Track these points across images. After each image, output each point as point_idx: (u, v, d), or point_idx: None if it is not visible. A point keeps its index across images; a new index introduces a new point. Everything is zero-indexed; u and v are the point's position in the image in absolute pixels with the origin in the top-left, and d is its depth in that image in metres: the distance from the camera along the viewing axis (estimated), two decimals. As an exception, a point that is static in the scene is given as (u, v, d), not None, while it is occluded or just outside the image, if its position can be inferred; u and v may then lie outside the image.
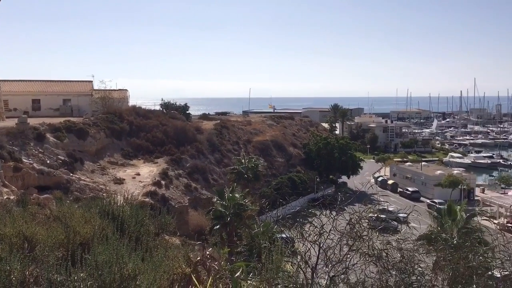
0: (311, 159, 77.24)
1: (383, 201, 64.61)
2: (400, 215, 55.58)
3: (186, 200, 46.41)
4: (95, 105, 61.07)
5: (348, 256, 6.64)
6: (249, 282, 5.20)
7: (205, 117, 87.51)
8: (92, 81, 68.38)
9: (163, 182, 46.02)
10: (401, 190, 72.78)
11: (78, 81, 69.92)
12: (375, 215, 9.38)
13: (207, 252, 5.57)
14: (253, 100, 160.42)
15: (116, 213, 8.14)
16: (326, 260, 6.59)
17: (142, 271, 5.17)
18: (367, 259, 6.56)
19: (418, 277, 6.47)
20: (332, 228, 6.80)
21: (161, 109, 73.67)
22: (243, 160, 54.24)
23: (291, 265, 6.68)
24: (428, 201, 64.63)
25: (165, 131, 58.30)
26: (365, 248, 6.59)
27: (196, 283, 4.50)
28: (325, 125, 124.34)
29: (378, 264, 6.47)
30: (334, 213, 7.18)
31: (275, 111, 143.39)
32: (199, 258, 5.37)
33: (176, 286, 5.15)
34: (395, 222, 53.49)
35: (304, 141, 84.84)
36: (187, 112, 78.62)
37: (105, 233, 6.74)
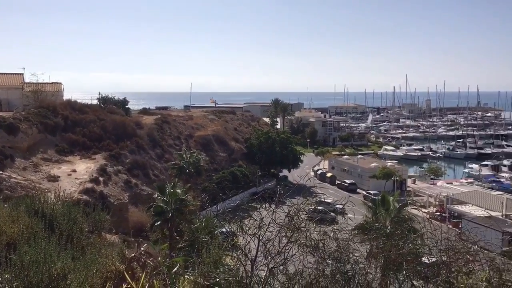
0: (252, 153, 77.86)
1: (322, 193, 66.55)
2: (338, 206, 57.67)
3: (125, 197, 45.26)
4: (26, 99, 57.92)
5: (287, 247, 6.76)
6: (186, 277, 5.15)
7: (145, 111, 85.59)
8: (22, 74, 64.77)
9: (101, 179, 44.60)
10: (339, 182, 75.08)
11: (7, 73, 65.89)
12: (313, 207, 9.61)
13: (142, 248, 5.46)
14: (194, 94, 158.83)
15: (46, 211, 7.76)
16: (266, 253, 6.68)
17: (73, 270, 4.97)
18: (305, 250, 6.72)
19: (353, 265, 6.72)
20: (271, 221, 6.90)
21: (98, 103, 71.18)
22: (184, 155, 53.66)
23: (231, 259, 6.71)
24: (364, 192, 67.17)
25: (103, 126, 56.42)
26: (303, 239, 6.74)
27: (129, 280, 4.40)
28: (266, 119, 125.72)
29: (315, 254, 6.65)
30: (273, 206, 7.29)
31: (217, 105, 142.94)
32: (133, 254, 5.25)
33: (108, 284, 5.00)
34: (333, 213, 55.40)
35: (246, 135, 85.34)
36: (126, 106, 76.50)
37: (33, 232, 6.41)
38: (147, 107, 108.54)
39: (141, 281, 4.25)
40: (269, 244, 6.70)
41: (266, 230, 6.77)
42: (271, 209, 7.13)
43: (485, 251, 7.27)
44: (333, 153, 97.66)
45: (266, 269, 6.39)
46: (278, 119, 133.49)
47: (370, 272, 6.71)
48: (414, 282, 6.49)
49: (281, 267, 6.52)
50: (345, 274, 6.32)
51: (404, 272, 6.53)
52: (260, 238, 6.68)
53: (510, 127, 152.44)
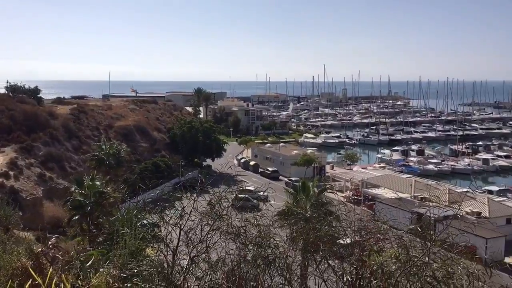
0: (175, 143, 76.75)
1: (245, 181, 67.44)
2: (261, 193, 58.78)
3: (39, 191, 42.73)
4: None
5: (209, 235, 6.83)
6: (101, 270, 5.03)
7: (59, 101, 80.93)
8: None
9: (11, 173, 41.75)
10: (262, 170, 76.39)
11: None
12: (235, 195, 9.73)
13: (50, 243, 5.24)
14: (113, 83, 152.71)
15: None
16: (188, 242, 6.70)
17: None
18: (227, 237, 6.83)
19: (273, 250, 6.95)
20: (192, 210, 6.91)
21: (6, 92, 66.13)
22: (104, 146, 51.59)
23: (151, 250, 6.65)
24: (286, 179, 68.99)
25: (12, 117, 52.64)
26: (225, 226, 6.84)
27: (34, 275, 4.20)
28: (189, 109, 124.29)
29: (237, 241, 6.79)
30: (194, 195, 7.30)
31: (138, 95, 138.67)
32: (40, 249, 5.02)
33: (10, 283, 4.72)
34: (256, 200, 56.36)
35: (168, 125, 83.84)
36: (38, 96, 71.85)
37: None
38: (62, 97, 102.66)
39: (48, 277, 4.07)
40: (191, 233, 6.72)
41: (187, 219, 6.78)
42: (192, 198, 7.14)
43: (395, 229, 7.84)
44: (256, 141, 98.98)
45: (188, 258, 6.43)
46: (201, 109, 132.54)
47: (290, 255, 7.00)
48: (330, 262, 6.86)
49: (204, 255, 6.59)
50: (266, 259, 6.53)
51: (321, 253, 6.88)
52: (182, 227, 6.68)
53: (417, 115, 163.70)
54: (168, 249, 6.41)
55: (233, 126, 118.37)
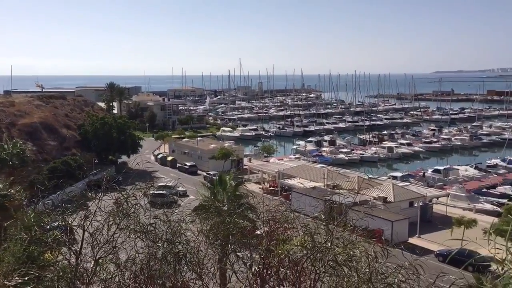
0: (87, 140, 73.30)
1: (163, 177, 66.22)
2: (179, 189, 58.10)
3: None
4: None
5: (116, 235, 6.65)
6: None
7: (-49, 97, 73.65)
8: None
9: None
10: (180, 165, 75.46)
11: None
12: (151, 191, 9.53)
13: None
14: (16, 78, 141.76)
15: None
16: (93, 243, 6.47)
17: None
18: (135, 235, 6.70)
19: (184, 245, 6.95)
20: (98, 210, 6.68)
21: None
22: (6, 146, 47.80)
23: (50, 254, 6.34)
24: (204, 173, 68.81)
25: None
26: (133, 225, 6.70)
27: None
28: (102, 104, 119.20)
29: (145, 238, 6.68)
30: (100, 194, 7.06)
31: (44, 90, 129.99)
32: None
33: None
34: (174, 196, 55.63)
35: (79, 121, 79.80)
36: None
37: None
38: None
39: None
40: (97, 233, 6.50)
41: (93, 220, 6.55)
42: (98, 197, 6.90)
43: (310, 218, 8.16)
44: (173, 136, 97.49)
45: (94, 260, 6.21)
46: (114, 104, 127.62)
47: (201, 250, 7.03)
48: (241, 254, 7.00)
49: (111, 256, 6.41)
50: (176, 255, 6.50)
51: (229, 245, 7.01)
52: (86, 228, 6.44)
53: (329, 107, 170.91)
54: (71, 252, 6.14)
55: (149, 121, 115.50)
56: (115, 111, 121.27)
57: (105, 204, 6.99)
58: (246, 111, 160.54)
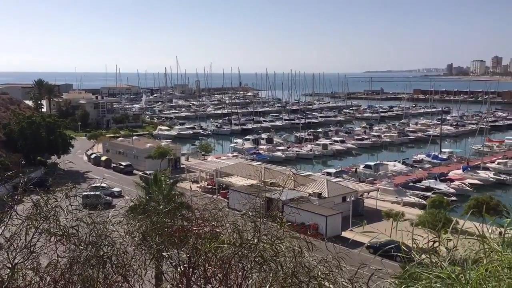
0: (13, 140, 69.31)
1: (97, 177, 63.94)
2: (115, 190, 56.43)
3: None
4: None
5: (35, 239, 6.37)
6: None
7: None
8: None
9: None
10: (114, 165, 73.31)
11: None
12: (84, 193, 9.16)
13: None
14: None
15: None
16: (9, 248, 6.15)
17: None
18: (56, 239, 6.45)
19: (109, 247, 6.78)
20: (14, 213, 6.36)
21: None
22: None
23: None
24: (140, 173, 67.30)
25: None
26: (54, 228, 6.45)
27: None
28: (29, 102, 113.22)
29: (67, 242, 6.46)
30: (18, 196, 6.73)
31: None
32: None
33: None
34: (109, 197, 53.93)
35: (4, 121, 75.28)
36: None
37: None
38: None
39: None
40: (14, 238, 6.19)
41: (7, 223, 6.22)
42: (15, 200, 6.57)
43: (235, 214, 8.22)
44: (107, 136, 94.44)
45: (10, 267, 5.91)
46: (43, 102, 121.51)
47: (128, 252, 6.90)
48: (165, 254, 6.95)
49: (29, 262, 6.13)
50: (100, 258, 6.34)
51: (155, 246, 6.94)
52: (1, 233, 6.11)
53: (266, 105, 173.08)
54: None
55: (81, 120, 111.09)
56: (44, 110, 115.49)
57: (23, 207, 6.67)
58: (183, 109, 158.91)
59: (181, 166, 73.29)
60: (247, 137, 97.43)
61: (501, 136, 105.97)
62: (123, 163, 72.59)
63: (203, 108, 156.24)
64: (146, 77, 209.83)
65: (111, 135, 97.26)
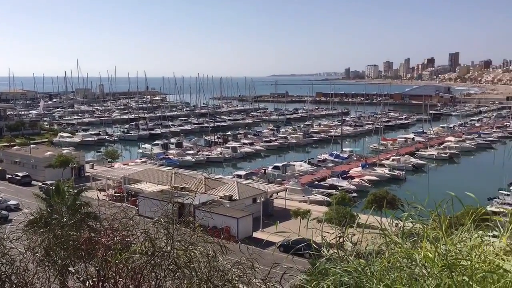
0: None
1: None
2: (11, 203, 52.04)
3: None
4: None
5: None
6: None
7: None
8: None
9: None
10: (10, 176, 67.70)
11: None
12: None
13: None
14: None
15: None
16: None
17: None
18: None
19: (7, 265, 6.26)
20: None
21: None
22: None
23: None
24: (40, 183, 62.82)
25: None
26: None
27: None
28: None
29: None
30: None
31: None
32: None
33: None
34: (4, 211, 49.68)
35: None
36: None
37: None
38: None
39: None
40: None
41: None
42: None
43: (147, 222, 7.99)
44: (0, 145, 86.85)
45: None
46: None
47: (29, 269, 6.41)
48: (72, 269, 6.58)
49: None
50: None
51: (59, 260, 6.55)
52: None
53: (174, 109, 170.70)
54: None
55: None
56: None
57: None
58: (86, 115, 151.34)
59: (86, 174, 69.66)
60: (156, 142, 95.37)
61: (394, 134, 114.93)
62: (20, 174, 67.27)
63: (108, 113, 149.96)
64: (44, 81, 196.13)
65: (5, 144, 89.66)
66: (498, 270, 3.32)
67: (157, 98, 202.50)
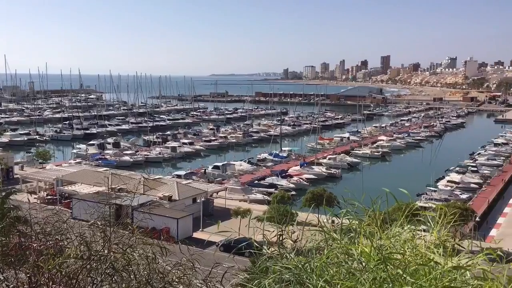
0: None
1: None
2: None
3: None
4: None
5: None
6: None
7: None
8: None
9: None
10: None
11: None
12: None
13: None
14: None
15: None
16: None
17: None
18: None
19: None
20: None
21: None
22: None
23: None
24: (-38, 187, 58.58)
25: None
26: None
27: None
28: None
29: None
30: None
31: None
32: None
33: None
34: None
35: None
36: None
37: None
38: None
39: None
40: None
41: None
42: None
43: (83, 225, 7.68)
44: None
45: None
46: None
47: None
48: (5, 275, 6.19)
49: None
50: None
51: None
52: None
53: (111, 108, 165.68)
54: None
55: None
56: None
57: None
58: (15, 113, 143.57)
59: (15, 176, 65.89)
60: (92, 142, 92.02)
61: (330, 134, 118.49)
62: None
63: (39, 112, 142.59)
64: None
65: None
66: (429, 263, 3.52)
67: (92, 96, 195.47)
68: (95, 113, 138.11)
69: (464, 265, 3.46)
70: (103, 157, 79.93)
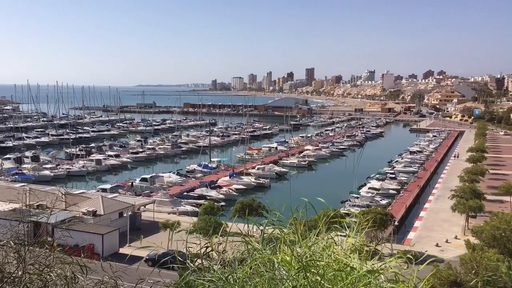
0: None
1: None
2: None
3: None
4: None
5: None
6: None
7: None
8: None
9: None
10: None
11: None
12: None
13: None
14: None
15: None
16: None
17: None
18: None
19: None
20: None
21: None
22: None
23: None
24: None
25: None
26: None
27: None
28: None
29: None
30: None
31: None
32: None
33: None
34: None
35: None
36: None
37: None
38: None
39: None
40: None
41: None
42: None
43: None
44: None
45: None
46: None
47: None
48: None
49: None
50: None
51: None
52: None
53: (29, 119, 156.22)
54: None
55: None
56: None
57: None
58: None
59: None
60: (7, 156, 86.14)
61: (259, 144, 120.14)
62: None
63: None
64: None
65: None
66: (346, 268, 3.68)
67: (8, 107, 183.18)
68: (12, 125, 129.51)
69: (378, 269, 3.66)
70: (20, 171, 75.06)
